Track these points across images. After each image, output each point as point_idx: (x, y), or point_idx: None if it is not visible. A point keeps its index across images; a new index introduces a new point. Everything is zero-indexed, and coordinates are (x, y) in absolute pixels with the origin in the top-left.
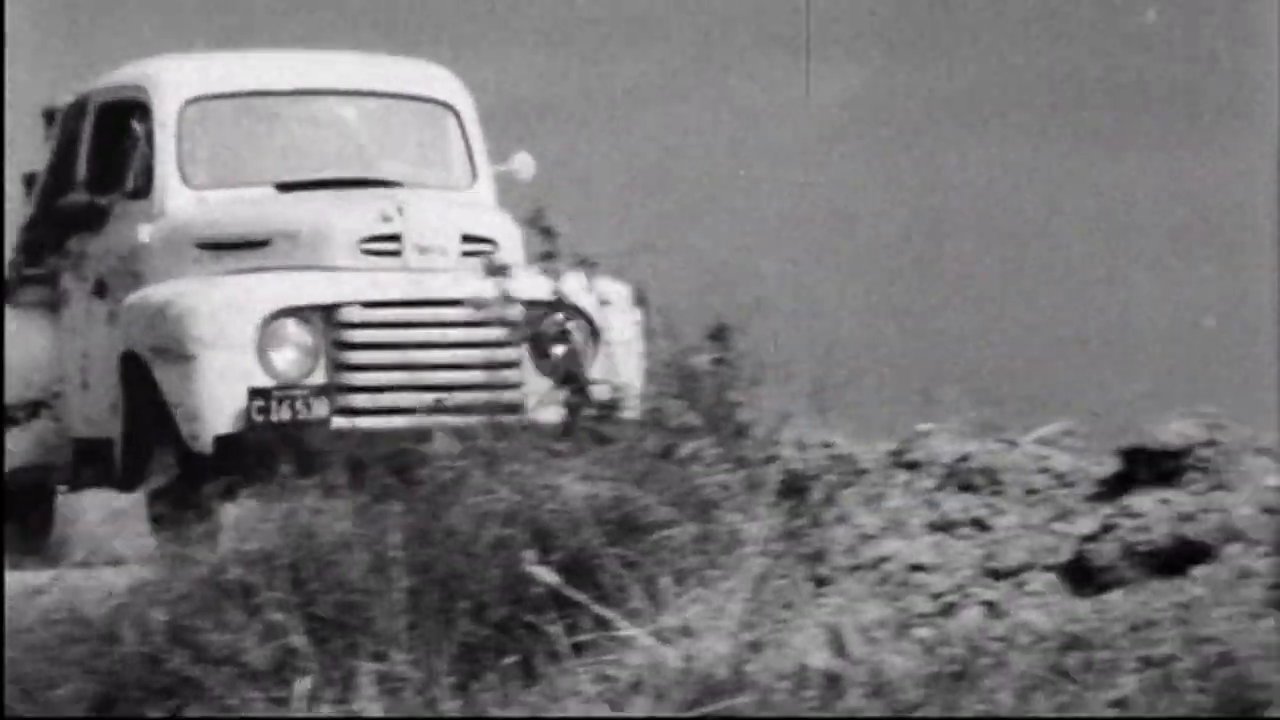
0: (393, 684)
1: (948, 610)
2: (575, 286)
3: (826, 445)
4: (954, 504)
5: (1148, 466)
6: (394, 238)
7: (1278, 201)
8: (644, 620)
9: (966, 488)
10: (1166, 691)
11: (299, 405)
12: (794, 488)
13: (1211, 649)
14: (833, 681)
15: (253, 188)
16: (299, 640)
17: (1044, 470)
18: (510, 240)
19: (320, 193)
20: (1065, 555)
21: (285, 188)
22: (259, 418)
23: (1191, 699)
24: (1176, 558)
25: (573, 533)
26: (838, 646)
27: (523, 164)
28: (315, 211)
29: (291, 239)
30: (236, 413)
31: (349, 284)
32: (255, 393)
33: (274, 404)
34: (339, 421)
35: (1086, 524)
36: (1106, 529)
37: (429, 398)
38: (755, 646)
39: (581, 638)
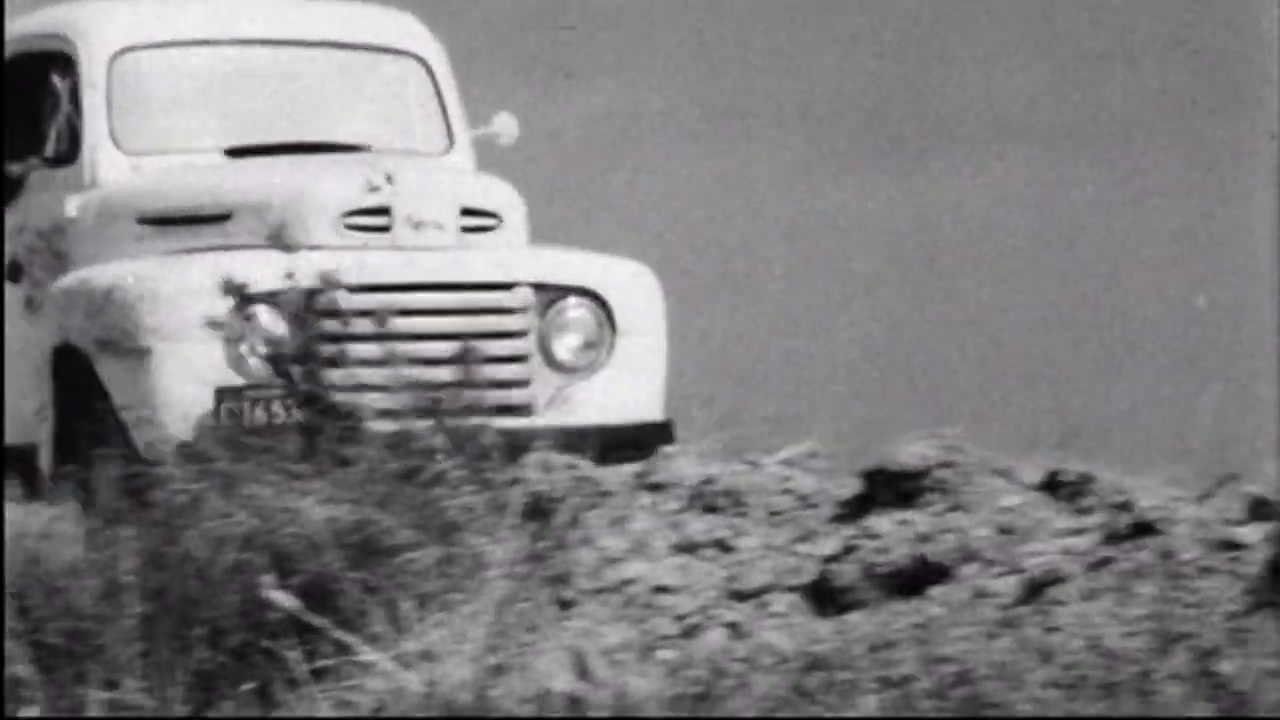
0: (124, 712)
1: (691, 632)
2: (588, 267)
3: (571, 467)
4: (698, 526)
5: (888, 488)
6: (383, 210)
7: None
8: (385, 645)
9: (711, 509)
10: (905, 711)
11: (277, 408)
12: (538, 510)
13: (949, 668)
14: (576, 704)
15: (197, 153)
16: (24, 669)
17: (787, 492)
18: (515, 214)
19: (285, 159)
20: (808, 576)
21: (235, 153)
22: (229, 422)
23: (930, 718)
24: (915, 578)
25: (313, 557)
26: (581, 669)
27: (504, 126)
28: (289, 180)
29: (259, 212)
30: (202, 416)
31: (331, 265)
32: (224, 392)
33: (247, 406)
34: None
35: (828, 545)
36: (848, 550)
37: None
38: (498, 670)
39: (321, 664)
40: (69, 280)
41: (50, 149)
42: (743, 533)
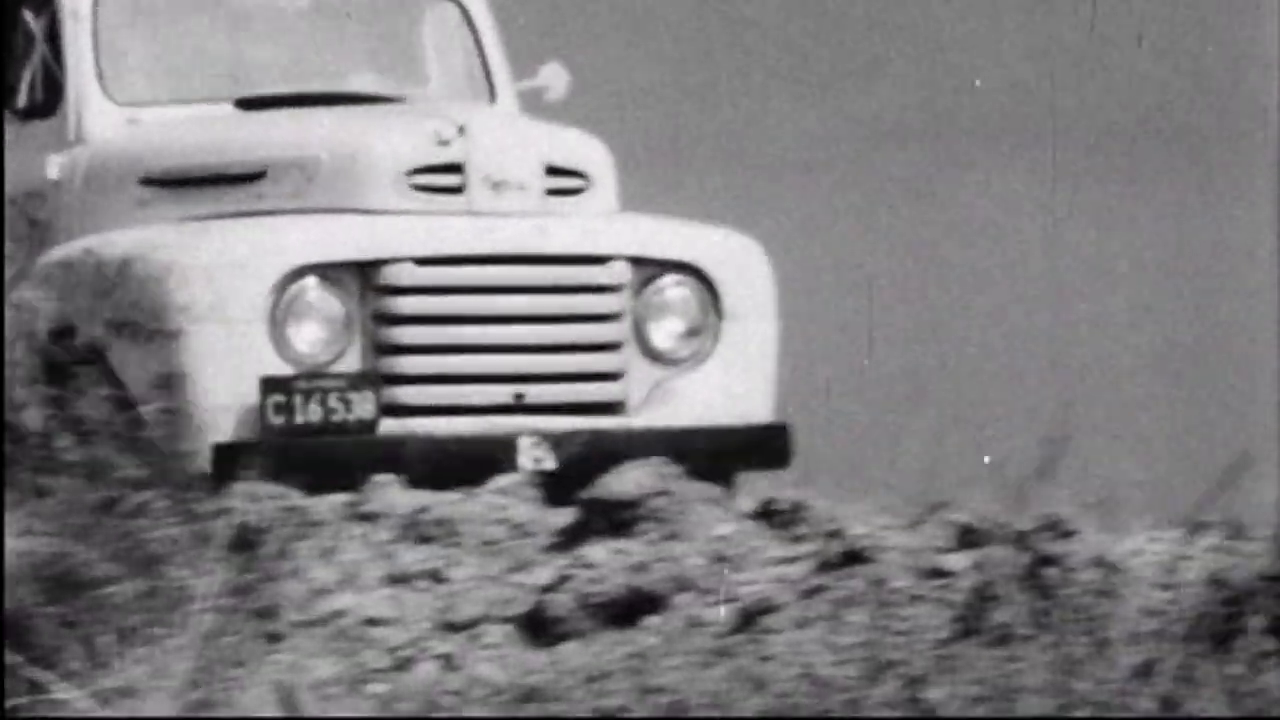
0: None
1: (403, 665)
2: (690, 239)
3: (279, 497)
4: (411, 556)
5: (603, 516)
6: (455, 168)
7: None
8: (82, 681)
9: (424, 540)
10: None
11: (334, 402)
12: (245, 541)
13: (662, 698)
14: None
15: (202, 104)
16: None
17: (502, 521)
18: (605, 174)
19: (326, 110)
20: (522, 607)
21: (248, 104)
22: (277, 419)
23: None
24: (630, 608)
25: (5, 591)
26: (289, 704)
27: (553, 78)
28: (341, 133)
29: (304, 170)
30: (244, 412)
31: (395, 233)
32: (271, 384)
33: (299, 400)
34: (389, 424)
35: (543, 575)
36: (562, 580)
37: (505, 390)
38: (202, 706)
39: (13, 702)
40: (66, 252)
41: (23, 99)
42: (456, 563)
